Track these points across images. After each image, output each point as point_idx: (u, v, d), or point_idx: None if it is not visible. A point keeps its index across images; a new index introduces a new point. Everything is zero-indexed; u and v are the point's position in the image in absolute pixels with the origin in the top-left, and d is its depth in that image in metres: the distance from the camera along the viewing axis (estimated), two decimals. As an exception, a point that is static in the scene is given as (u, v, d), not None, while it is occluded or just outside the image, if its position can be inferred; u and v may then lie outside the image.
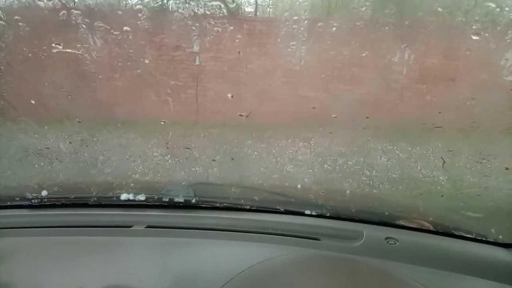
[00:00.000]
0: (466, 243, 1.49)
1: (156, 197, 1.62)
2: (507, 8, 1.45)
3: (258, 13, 1.83)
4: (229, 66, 1.86)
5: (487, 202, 1.52)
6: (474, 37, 1.42)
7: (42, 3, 1.60)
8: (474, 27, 1.46)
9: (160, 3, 1.69)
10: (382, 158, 1.61)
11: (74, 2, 1.62)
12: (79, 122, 1.67)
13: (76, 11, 1.59)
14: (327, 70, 1.72)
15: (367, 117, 1.55)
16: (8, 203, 1.62)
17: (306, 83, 1.71)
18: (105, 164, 1.75)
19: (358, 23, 1.59)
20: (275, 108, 1.81)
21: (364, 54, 1.61)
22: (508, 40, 1.46)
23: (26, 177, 1.71)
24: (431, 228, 1.53)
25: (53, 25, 1.64)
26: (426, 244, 1.49)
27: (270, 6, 1.91)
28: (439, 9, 1.50)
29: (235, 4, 1.65)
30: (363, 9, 1.56)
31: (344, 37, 1.60)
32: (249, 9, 1.77)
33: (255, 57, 1.86)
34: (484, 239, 1.48)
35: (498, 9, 1.45)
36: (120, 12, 1.66)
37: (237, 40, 1.71)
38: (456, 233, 1.51)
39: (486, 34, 1.47)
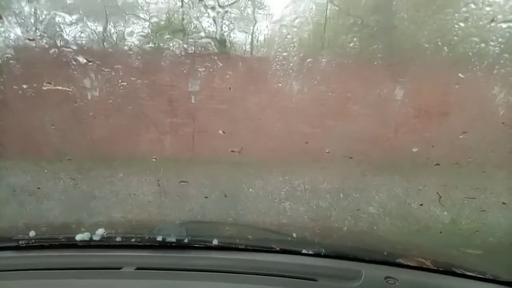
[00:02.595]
0: (466, 281, 1.45)
1: (147, 237, 1.57)
2: (492, 43, 1.49)
3: (253, 52, 1.86)
4: (225, 103, 1.87)
5: (486, 238, 1.49)
6: (461, 75, 1.45)
7: (34, 43, 1.63)
8: (462, 62, 1.49)
9: (155, 44, 1.72)
10: (377, 193, 1.59)
11: (67, 41, 1.65)
12: (69, 160, 1.64)
13: (68, 50, 1.61)
14: (319, 107, 1.73)
15: (359, 153, 1.54)
16: None
17: (299, 120, 1.72)
18: (95, 203, 1.72)
19: (349, 61, 1.62)
20: (269, 144, 1.81)
21: (355, 91, 1.63)
22: (495, 74, 1.49)
23: (14, 217, 1.66)
24: (431, 266, 1.49)
25: (45, 64, 1.66)
26: (426, 284, 1.44)
27: (264, 46, 1.96)
28: (426, 45, 1.53)
29: (229, 46, 1.69)
30: (352, 45, 1.59)
31: (336, 74, 1.62)
32: (245, 48, 1.81)
33: (250, 94, 1.87)
34: (485, 276, 1.44)
35: (483, 44, 1.49)
36: (116, 52, 1.69)
37: (231, 79, 1.74)
38: (457, 270, 1.47)
39: (475, 69, 1.50)
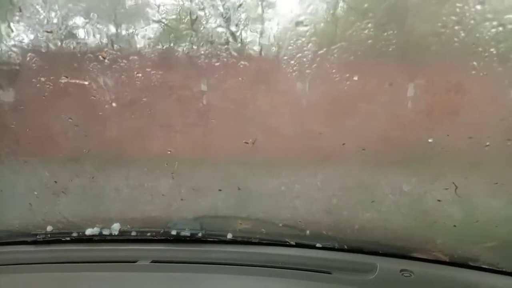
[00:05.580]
0: (484, 274, 1.43)
1: (162, 231, 1.59)
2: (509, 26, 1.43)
3: (263, 53, 1.87)
4: (236, 104, 1.88)
5: (504, 230, 1.47)
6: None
7: (53, 44, 1.68)
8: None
9: (168, 45, 1.75)
10: (392, 187, 1.58)
11: (86, 43, 1.69)
12: (87, 153, 1.68)
13: (86, 51, 1.66)
14: (331, 105, 1.74)
15: (372, 148, 1.54)
16: (13, 239, 1.60)
17: (311, 118, 1.73)
18: (111, 198, 1.74)
19: (361, 57, 1.62)
20: (282, 143, 1.81)
21: (368, 89, 1.63)
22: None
23: (32, 213, 1.70)
24: (447, 259, 1.48)
25: (63, 64, 1.70)
26: (442, 276, 1.43)
27: (274, 45, 1.96)
28: (441, 30, 1.48)
29: (240, 44, 1.71)
30: (364, 35, 1.58)
31: (348, 72, 1.63)
32: (255, 48, 1.82)
33: (262, 94, 1.87)
34: (502, 269, 1.42)
35: (500, 28, 1.43)
36: (130, 53, 1.72)
37: (243, 79, 1.75)
38: (473, 264, 1.46)
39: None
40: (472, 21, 1.44)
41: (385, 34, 1.52)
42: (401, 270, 1.41)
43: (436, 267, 1.46)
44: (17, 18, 1.61)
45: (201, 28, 1.68)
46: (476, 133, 1.45)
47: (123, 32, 1.71)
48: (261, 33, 1.69)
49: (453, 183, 1.45)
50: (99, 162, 1.75)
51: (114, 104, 1.72)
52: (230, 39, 1.68)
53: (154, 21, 1.72)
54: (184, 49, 1.72)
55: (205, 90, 1.75)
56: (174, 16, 1.71)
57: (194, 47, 1.69)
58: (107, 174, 1.79)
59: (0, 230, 1.65)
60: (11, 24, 1.62)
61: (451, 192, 1.46)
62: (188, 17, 1.67)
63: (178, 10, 1.70)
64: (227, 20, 1.67)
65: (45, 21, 1.63)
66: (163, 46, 1.73)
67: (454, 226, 1.52)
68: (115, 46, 1.69)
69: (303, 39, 1.62)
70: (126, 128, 1.77)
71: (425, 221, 1.55)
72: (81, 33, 1.67)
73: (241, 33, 1.69)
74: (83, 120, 1.72)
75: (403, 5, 1.59)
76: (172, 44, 1.74)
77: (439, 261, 1.47)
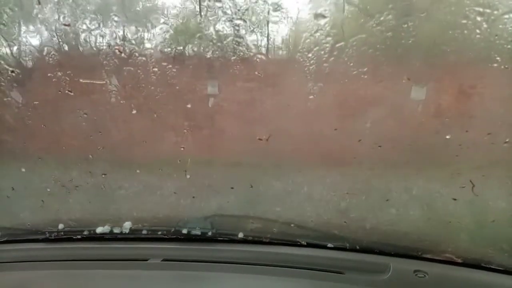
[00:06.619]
0: (499, 276, 1.40)
1: (172, 230, 1.59)
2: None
3: (270, 56, 1.86)
4: (244, 106, 1.88)
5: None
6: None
7: (67, 47, 1.69)
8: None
9: (176, 49, 1.76)
10: (406, 186, 1.56)
11: (96, 46, 1.70)
12: (101, 150, 1.69)
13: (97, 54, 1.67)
14: (340, 107, 1.72)
15: (389, 141, 1.52)
16: (25, 237, 1.61)
17: (319, 120, 1.72)
18: (122, 197, 1.75)
19: (370, 59, 1.60)
20: (291, 145, 1.80)
21: (378, 91, 1.61)
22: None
23: (43, 211, 1.71)
24: (461, 260, 1.45)
25: (76, 67, 1.71)
26: (457, 278, 1.41)
27: (282, 48, 1.95)
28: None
29: (248, 47, 1.71)
30: (376, 32, 1.56)
31: (357, 74, 1.61)
32: (262, 50, 1.82)
33: (269, 96, 1.87)
34: None
35: None
36: (139, 56, 1.73)
37: (250, 81, 1.75)
38: (488, 265, 1.43)
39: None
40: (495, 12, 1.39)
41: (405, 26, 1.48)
42: (414, 271, 1.39)
43: (450, 268, 1.43)
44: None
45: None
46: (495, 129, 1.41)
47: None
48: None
49: (470, 181, 1.42)
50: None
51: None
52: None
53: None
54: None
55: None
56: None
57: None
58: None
59: (12, 227, 1.66)
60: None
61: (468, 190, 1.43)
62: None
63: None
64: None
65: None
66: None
67: (470, 225, 1.50)
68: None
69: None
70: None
71: (441, 220, 1.53)
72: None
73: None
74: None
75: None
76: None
77: (453, 262, 1.45)
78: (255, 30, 1.73)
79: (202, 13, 1.68)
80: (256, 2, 1.69)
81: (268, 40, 1.76)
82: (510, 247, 1.45)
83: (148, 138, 1.77)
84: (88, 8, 1.68)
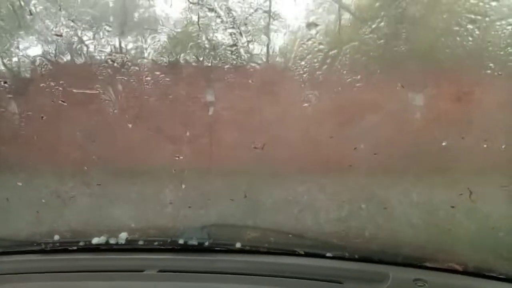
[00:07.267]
0: (497, 283, 1.38)
1: (169, 240, 1.57)
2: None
3: (269, 62, 1.88)
4: (243, 114, 1.89)
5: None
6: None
7: (63, 58, 1.71)
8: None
9: (174, 57, 1.77)
10: (404, 194, 1.55)
11: (91, 56, 1.71)
12: (96, 160, 1.68)
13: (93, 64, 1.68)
14: (338, 115, 1.73)
15: (385, 149, 1.52)
16: (20, 249, 1.59)
17: (317, 128, 1.72)
18: (118, 208, 1.74)
19: (367, 68, 1.61)
20: (289, 153, 1.80)
21: (374, 97, 1.62)
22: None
23: (39, 222, 1.69)
24: (461, 268, 1.43)
25: (72, 78, 1.72)
26: (456, 286, 1.39)
27: (280, 56, 1.97)
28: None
29: (245, 56, 1.72)
30: (371, 53, 1.58)
31: (354, 81, 1.62)
32: (261, 59, 1.83)
33: (268, 104, 1.88)
34: None
35: None
36: (135, 66, 1.74)
37: (249, 89, 1.76)
38: (488, 273, 1.41)
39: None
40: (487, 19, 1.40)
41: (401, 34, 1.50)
42: (414, 280, 1.37)
43: (450, 276, 1.42)
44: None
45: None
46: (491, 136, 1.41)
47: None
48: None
49: (468, 188, 1.41)
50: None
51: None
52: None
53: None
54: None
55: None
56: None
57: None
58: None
59: (7, 239, 1.64)
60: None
61: (465, 198, 1.42)
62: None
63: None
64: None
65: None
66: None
67: (468, 232, 1.49)
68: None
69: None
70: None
71: (440, 228, 1.52)
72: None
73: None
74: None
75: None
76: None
77: (453, 270, 1.43)
78: (253, 39, 1.74)
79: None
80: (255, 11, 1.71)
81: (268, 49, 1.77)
82: (510, 254, 1.43)
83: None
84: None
